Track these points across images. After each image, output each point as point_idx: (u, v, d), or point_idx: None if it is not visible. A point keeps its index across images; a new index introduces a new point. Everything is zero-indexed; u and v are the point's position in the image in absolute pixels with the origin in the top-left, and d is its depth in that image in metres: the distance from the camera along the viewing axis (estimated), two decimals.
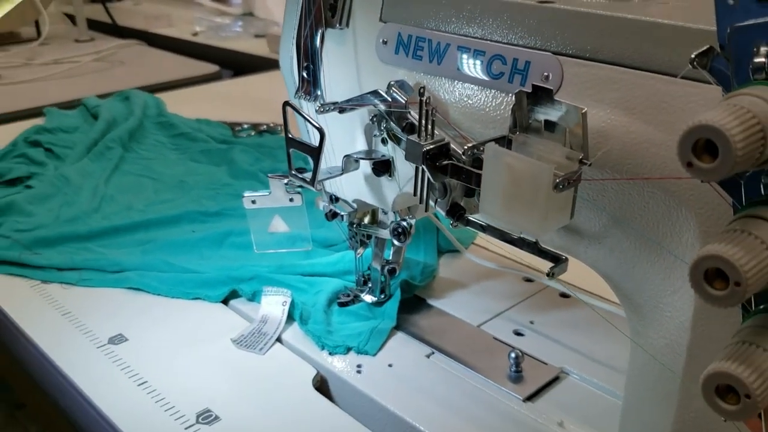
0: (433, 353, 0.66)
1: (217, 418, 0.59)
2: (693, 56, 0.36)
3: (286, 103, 0.57)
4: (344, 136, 0.61)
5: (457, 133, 0.52)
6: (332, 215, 0.69)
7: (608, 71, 0.43)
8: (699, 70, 0.36)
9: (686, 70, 0.36)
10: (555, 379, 0.63)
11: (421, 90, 0.51)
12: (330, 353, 0.66)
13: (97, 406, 0.61)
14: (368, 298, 0.72)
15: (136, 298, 0.76)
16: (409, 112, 0.54)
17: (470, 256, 0.83)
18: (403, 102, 0.54)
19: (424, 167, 0.50)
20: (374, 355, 0.66)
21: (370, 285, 0.72)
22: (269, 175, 0.68)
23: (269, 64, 1.64)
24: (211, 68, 1.69)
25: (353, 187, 0.64)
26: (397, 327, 0.70)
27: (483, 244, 0.85)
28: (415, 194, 0.53)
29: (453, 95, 0.52)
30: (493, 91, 0.50)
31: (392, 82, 0.55)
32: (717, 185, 0.35)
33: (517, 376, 0.63)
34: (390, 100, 0.55)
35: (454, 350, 0.67)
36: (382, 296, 0.72)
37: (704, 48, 0.35)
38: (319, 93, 0.61)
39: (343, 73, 0.60)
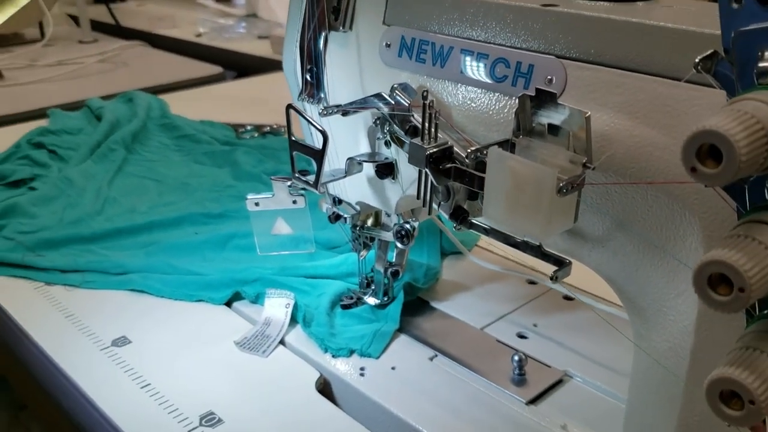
0: (436, 356, 0.66)
1: (220, 420, 0.59)
2: (697, 60, 0.36)
3: (289, 106, 0.57)
4: (347, 138, 0.61)
5: (461, 136, 0.52)
6: (335, 217, 0.69)
7: (612, 75, 0.43)
8: (703, 75, 0.36)
9: (691, 74, 0.36)
10: (558, 382, 0.63)
11: (425, 93, 0.51)
12: (333, 356, 0.66)
13: (100, 408, 0.61)
14: (371, 300, 0.72)
15: (140, 301, 0.76)
16: (413, 115, 0.54)
17: (473, 258, 0.82)
18: (407, 105, 0.54)
19: (428, 170, 0.50)
20: (377, 357, 0.66)
21: (373, 287, 0.72)
22: (272, 177, 0.68)
23: (272, 66, 1.64)
24: (214, 69, 1.69)
25: (356, 189, 0.64)
26: (400, 329, 0.70)
27: (486, 246, 0.85)
28: (418, 197, 0.53)
29: (456, 98, 0.52)
30: (496, 94, 0.50)
31: (395, 85, 0.55)
32: (721, 190, 0.35)
33: (520, 379, 0.63)
34: (393, 102, 0.55)
35: (458, 353, 0.67)
36: (386, 299, 0.72)
37: (708, 52, 0.35)
38: (322, 96, 0.61)
39: (346, 76, 0.60)
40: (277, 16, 2.02)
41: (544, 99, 0.43)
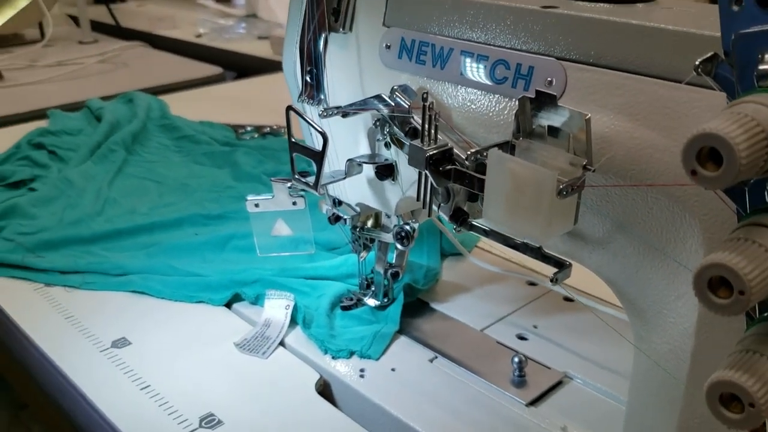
0: (436, 357, 0.66)
1: (219, 422, 0.59)
2: (697, 63, 0.35)
3: (289, 108, 0.56)
4: (347, 140, 0.61)
5: (460, 138, 0.52)
6: (335, 219, 0.69)
7: (612, 77, 0.43)
8: (703, 77, 0.36)
9: (691, 76, 0.36)
10: (558, 384, 0.63)
11: (425, 95, 0.51)
12: (333, 357, 0.66)
13: (99, 409, 0.61)
14: (371, 301, 0.72)
15: (140, 302, 0.76)
16: (413, 117, 0.54)
17: (473, 259, 0.82)
18: (407, 106, 0.54)
19: (428, 172, 0.50)
20: (377, 359, 0.66)
21: (373, 289, 0.72)
22: (272, 178, 0.68)
23: (272, 66, 1.64)
24: (214, 70, 1.69)
25: (356, 190, 0.64)
26: (400, 331, 0.70)
27: (486, 247, 0.85)
28: (418, 199, 0.53)
29: (456, 100, 0.52)
30: (496, 96, 0.50)
31: (395, 87, 0.55)
32: (721, 192, 0.35)
33: (520, 381, 0.63)
34: (393, 104, 0.55)
35: (458, 354, 0.66)
36: (385, 300, 0.72)
37: (709, 54, 0.35)
38: (322, 97, 0.61)
39: (346, 78, 0.60)
40: (277, 16, 2.02)
41: (544, 101, 0.43)
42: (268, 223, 0.71)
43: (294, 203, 0.69)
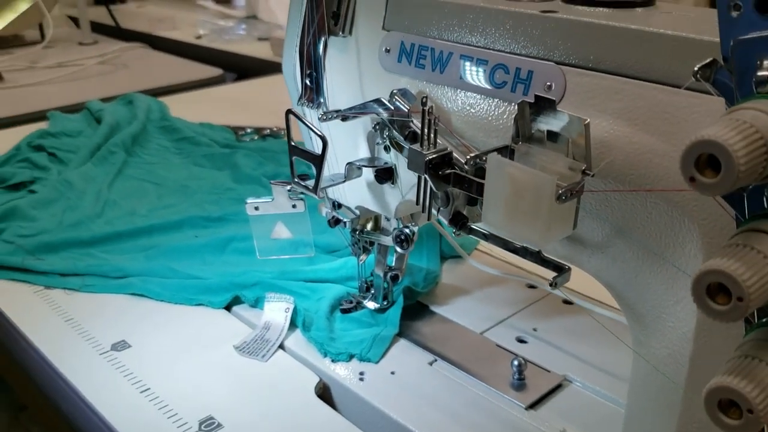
0: (435, 360, 0.66)
1: (219, 425, 0.59)
2: (696, 68, 0.36)
3: (288, 111, 0.57)
4: (347, 143, 0.61)
5: (460, 142, 0.52)
6: (335, 222, 0.69)
7: (611, 81, 0.43)
8: (702, 83, 0.36)
9: (690, 82, 0.36)
10: (558, 387, 0.63)
11: (424, 99, 0.51)
12: (332, 360, 0.66)
13: (99, 412, 0.61)
14: (371, 304, 0.72)
15: (139, 304, 0.76)
16: (412, 121, 0.54)
17: (473, 262, 0.82)
18: (406, 110, 0.54)
19: (427, 176, 0.50)
20: (377, 362, 0.66)
21: (372, 291, 0.72)
22: (272, 181, 0.68)
23: (272, 68, 1.64)
24: (214, 71, 1.69)
25: (356, 193, 0.64)
26: (400, 334, 0.70)
27: (486, 250, 0.85)
28: (417, 203, 0.54)
29: (456, 104, 0.52)
30: (495, 100, 0.50)
31: (395, 91, 0.55)
32: (720, 198, 0.35)
33: (519, 384, 0.63)
34: (393, 108, 0.55)
35: (457, 358, 0.67)
36: (385, 303, 0.72)
37: (708, 60, 0.35)
38: (322, 100, 0.61)
39: (345, 81, 0.60)
40: (277, 17, 2.02)
41: (543, 105, 0.43)
42: (267, 225, 0.71)
43: (294, 206, 0.69)
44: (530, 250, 0.53)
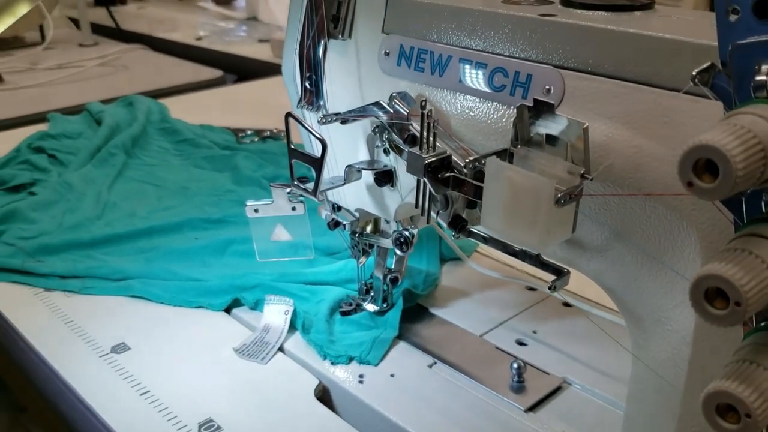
0: (435, 363, 0.66)
1: (219, 428, 0.59)
2: (694, 73, 0.36)
3: (288, 114, 0.57)
4: (346, 146, 0.61)
5: (459, 145, 0.52)
6: (335, 224, 0.69)
7: (610, 85, 0.43)
8: (701, 87, 0.36)
9: (689, 86, 0.36)
10: (557, 389, 0.63)
11: (423, 102, 0.51)
12: (332, 363, 0.66)
13: (99, 415, 0.61)
14: (370, 307, 0.72)
15: (139, 307, 0.76)
16: (411, 124, 0.54)
17: (473, 264, 0.82)
18: (405, 114, 0.54)
19: (426, 179, 0.50)
20: (376, 365, 0.66)
21: (372, 294, 0.72)
22: (271, 184, 0.68)
23: (273, 69, 1.64)
24: (214, 73, 1.69)
25: (356, 196, 0.64)
26: (400, 336, 0.70)
27: (486, 252, 0.85)
28: (417, 206, 0.54)
29: (455, 107, 0.52)
30: (494, 103, 0.50)
31: (394, 94, 0.55)
32: (718, 202, 0.35)
33: (519, 387, 0.63)
34: (392, 111, 0.55)
35: (457, 360, 0.67)
36: (385, 305, 0.72)
37: (706, 65, 0.35)
38: (321, 103, 0.61)
39: (345, 84, 0.60)
40: (277, 19, 2.03)
41: (542, 109, 0.43)
42: (267, 228, 0.72)
43: (293, 208, 0.69)
44: (529, 253, 0.53)
